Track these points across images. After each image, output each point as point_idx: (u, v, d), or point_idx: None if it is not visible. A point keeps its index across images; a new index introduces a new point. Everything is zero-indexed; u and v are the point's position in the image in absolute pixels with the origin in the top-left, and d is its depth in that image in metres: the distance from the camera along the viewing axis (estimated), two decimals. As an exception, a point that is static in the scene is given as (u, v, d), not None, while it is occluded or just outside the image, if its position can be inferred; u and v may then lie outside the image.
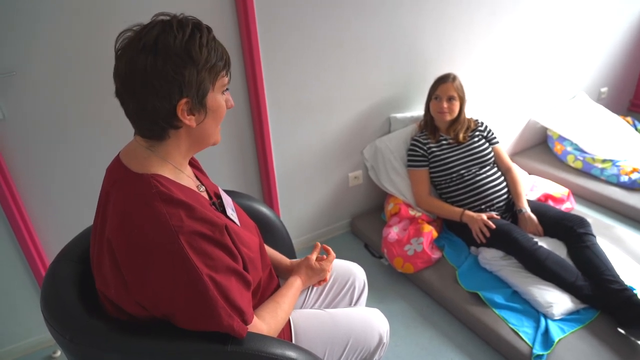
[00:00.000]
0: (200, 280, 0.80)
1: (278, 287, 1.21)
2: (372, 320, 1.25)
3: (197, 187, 0.98)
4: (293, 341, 1.14)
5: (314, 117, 2.15)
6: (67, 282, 0.97)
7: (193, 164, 1.08)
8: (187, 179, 0.95)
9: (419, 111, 2.40)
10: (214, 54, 0.85)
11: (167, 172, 0.89)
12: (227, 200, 1.06)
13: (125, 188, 0.86)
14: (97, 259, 0.90)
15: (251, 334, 0.89)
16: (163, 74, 0.80)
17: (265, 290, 1.13)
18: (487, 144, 2.18)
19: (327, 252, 1.31)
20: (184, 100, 0.83)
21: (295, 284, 1.17)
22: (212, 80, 0.87)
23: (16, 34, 1.44)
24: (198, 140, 0.92)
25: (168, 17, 0.84)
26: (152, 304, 0.84)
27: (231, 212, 1.03)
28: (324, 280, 1.28)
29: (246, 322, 0.88)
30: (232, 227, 0.93)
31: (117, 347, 0.85)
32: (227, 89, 0.93)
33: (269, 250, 1.32)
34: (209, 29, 0.87)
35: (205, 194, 0.99)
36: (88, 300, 0.94)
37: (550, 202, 2.30)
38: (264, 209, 1.43)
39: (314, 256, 1.27)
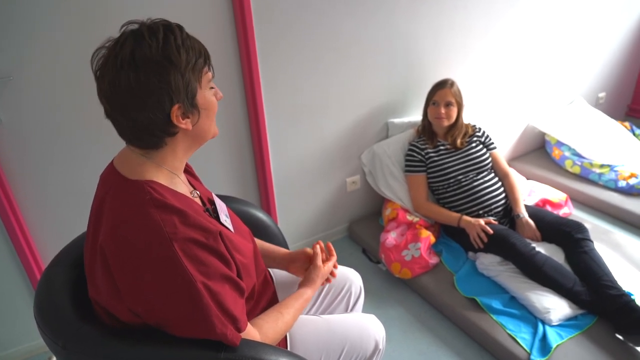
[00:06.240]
0: (193, 288, 0.80)
1: (274, 293, 1.21)
2: (368, 327, 1.24)
3: (191, 193, 0.98)
4: (288, 348, 1.13)
5: (312, 121, 2.15)
6: (61, 288, 0.97)
7: (187, 169, 1.07)
8: (181, 184, 0.94)
9: (416, 116, 2.40)
10: (192, 53, 0.84)
11: (161, 178, 0.89)
12: (221, 207, 1.06)
13: (119, 195, 0.85)
14: (90, 266, 0.89)
15: (245, 340, 0.88)
16: (149, 87, 0.80)
17: (261, 296, 1.12)
18: (484, 150, 2.18)
19: (330, 251, 1.28)
20: (176, 107, 0.83)
21: (305, 295, 1.14)
22: (198, 78, 0.86)
23: (13, 39, 1.45)
24: (196, 139, 0.92)
25: (137, 26, 0.83)
26: (145, 311, 0.83)
27: (225, 218, 1.02)
28: (328, 280, 1.27)
29: (239, 329, 0.87)
30: (226, 233, 0.92)
31: (110, 354, 0.84)
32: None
33: (263, 244, 1.30)
34: (180, 28, 0.86)
35: (198, 200, 0.99)
36: (82, 307, 0.94)
37: (548, 207, 2.31)
38: (261, 215, 1.43)
39: (319, 262, 1.22)
